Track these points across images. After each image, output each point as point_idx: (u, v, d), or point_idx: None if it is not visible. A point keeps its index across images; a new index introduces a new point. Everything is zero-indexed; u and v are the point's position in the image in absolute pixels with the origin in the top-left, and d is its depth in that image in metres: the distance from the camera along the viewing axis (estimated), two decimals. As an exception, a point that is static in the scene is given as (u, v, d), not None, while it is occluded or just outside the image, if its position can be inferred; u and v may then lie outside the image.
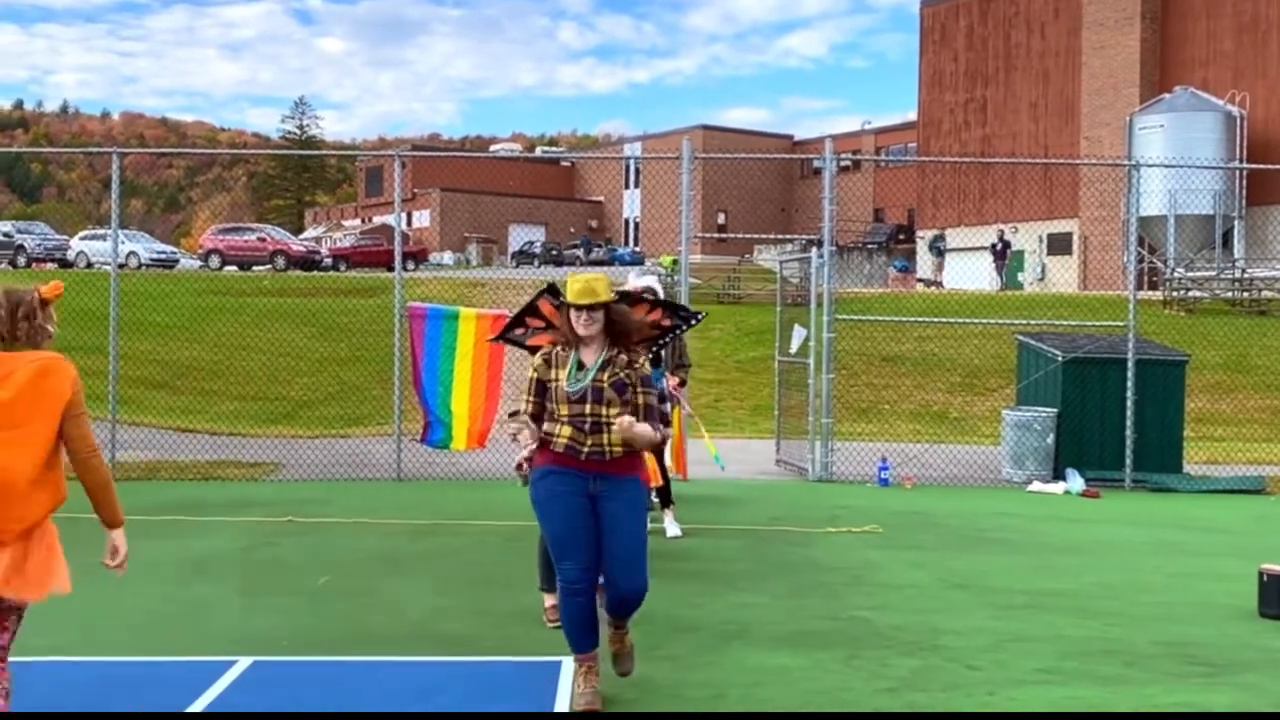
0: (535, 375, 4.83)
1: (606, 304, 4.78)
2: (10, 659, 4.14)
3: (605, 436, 4.72)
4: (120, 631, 6.09)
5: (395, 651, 5.74)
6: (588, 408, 4.71)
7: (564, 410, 4.73)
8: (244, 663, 5.42)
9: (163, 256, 36.83)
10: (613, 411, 4.71)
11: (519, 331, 5.23)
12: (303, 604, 6.72)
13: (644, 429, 4.73)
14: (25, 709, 4.81)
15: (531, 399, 4.85)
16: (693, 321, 5.24)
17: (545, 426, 4.77)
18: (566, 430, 4.74)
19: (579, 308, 4.76)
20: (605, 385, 4.75)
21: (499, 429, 11.79)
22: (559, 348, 4.84)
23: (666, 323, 5.11)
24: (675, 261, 17.77)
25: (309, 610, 6.57)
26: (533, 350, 5.09)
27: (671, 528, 8.86)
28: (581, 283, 4.77)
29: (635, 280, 8.52)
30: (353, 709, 4.85)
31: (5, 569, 3.79)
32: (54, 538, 3.99)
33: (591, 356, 4.78)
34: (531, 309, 5.15)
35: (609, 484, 4.78)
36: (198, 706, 4.82)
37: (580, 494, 4.74)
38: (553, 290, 5.04)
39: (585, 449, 4.71)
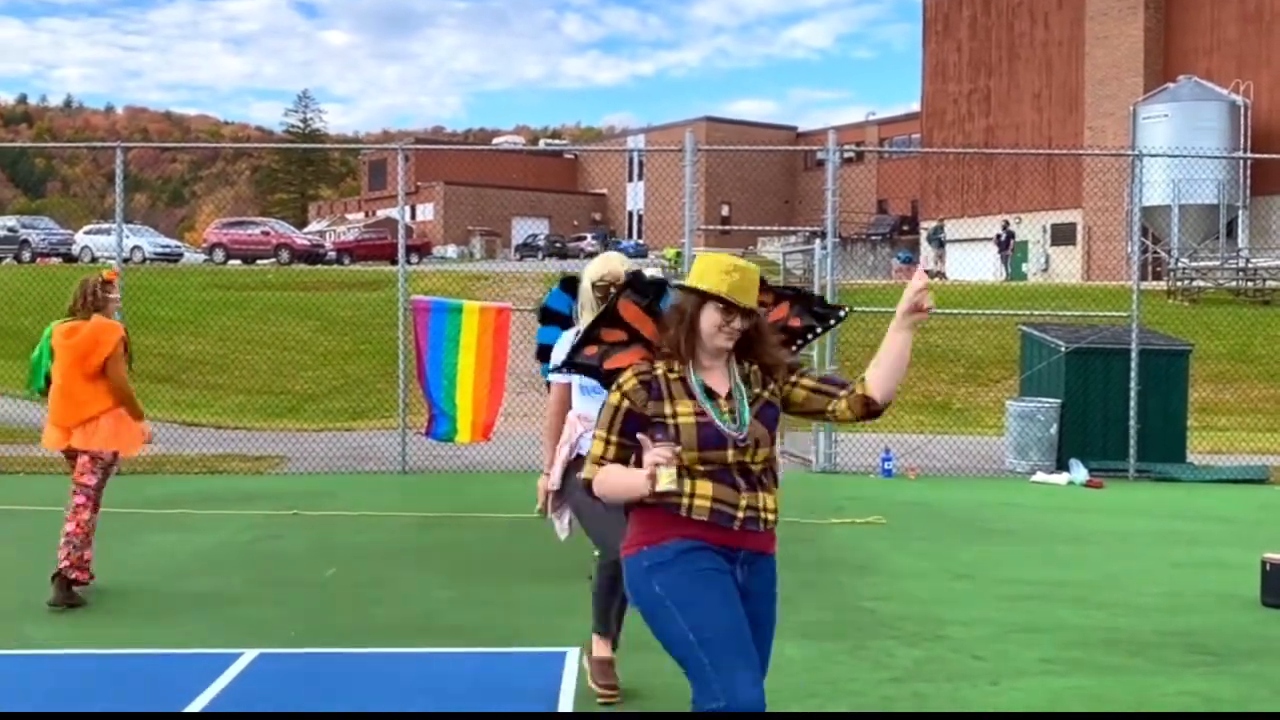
0: (626, 405, 3.23)
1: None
2: (16, 651, 5.04)
3: (761, 496, 3.25)
4: (127, 624, 6.12)
5: (401, 643, 5.77)
6: (730, 453, 3.21)
7: (697, 458, 3.18)
8: (250, 654, 5.45)
9: (167, 251, 36.89)
10: (764, 456, 3.27)
11: (590, 353, 3.46)
12: (309, 596, 6.75)
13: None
14: (31, 702, 4.85)
15: (614, 439, 3.25)
16: (832, 321, 3.69)
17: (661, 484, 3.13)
18: (707, 487, 3.20)
19: (732, 308, 3.24)
20: (755, 418, 3.28)
21: (503, 421, 11.82)
22: (660, 367, 3.28)
23: (796, 323, 3.58)
24: (679, 254, 17.79)
25: (315, 602, 6.60)
26: (607, 376, 3.40)
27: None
28: (733, 270, 3.24)
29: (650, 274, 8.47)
30: (359, 700, 4.88)
31: (87, 434, 6.44)
32: (120, 421, 6.49)
33: (719, 377, 3.29)
34: (608, 317, 3.44)
35: (759, 572, 3.32)
36: (205, 698, 4.85)
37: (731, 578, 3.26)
38: (637, 286, 3.48)
39: (740, 514, 3.20)
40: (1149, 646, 5.82)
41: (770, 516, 3.27)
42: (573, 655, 5.37)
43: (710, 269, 3.24)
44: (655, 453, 3.09)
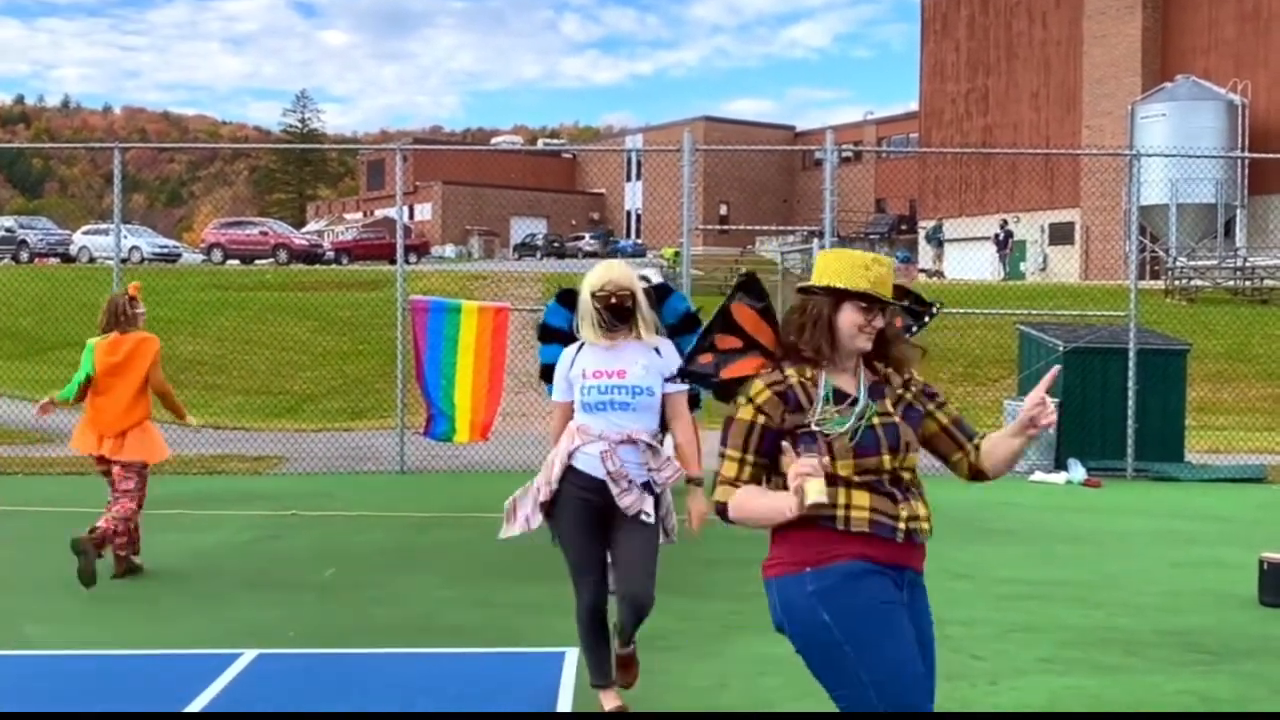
0: (761, 421, 2.94)
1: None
2: (15, 652, 5.16)
3: (916, 505, 3.09)
4: (126, 624, 6.12)
5: (400, 643, 5.77)
6: (885, 458, 3.01)
7: (848, 468, 2.93)
8: (249, 655, 5.45)
9: (165, 251, 36.89)
10: (913, 461, 3.13)
11: (705, 361, 3.13)
12: (308, 596, 6.75)
13: None
14: (30, 702, 4.85)
15: (750, 458, 2.97)
16: (927, 319, 3.52)
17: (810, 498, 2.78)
18: (864, 498, 2.97)
19: (873, 306, 2.99)
20: (898, 419, 3.09)
21: (501, 421, 11.82)
22: (793, 374, 2.99)
23: (899, 322, 3.34)
24: (677, 253, 17.78)
25: (314, 602, 6.61)
26: (726, 388, 3.09)
27: None
28: (872, 264, 2.99)
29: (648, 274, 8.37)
30: (358, 700, 4.88)
31: (116, 445, 7.12)
32: (152, 432, 7.32)
33: (849, 380, 3.05)
34: (723, 322, 3.12)
35: (919, 591, 3.15)
36: (204, 698, 4.85)
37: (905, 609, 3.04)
38: (750, 289, 3.17)
39: (901, 525, 3.01)
40: (1147, 646, 5.83)
41: (927, 526, 3.08)
42: (572, 655, 5.38)
43: (846, 265, 2.97)
44: (801, 464, 2.79)
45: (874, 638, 2.89)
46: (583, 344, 4.57)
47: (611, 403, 4.47)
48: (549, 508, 4.57)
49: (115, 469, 7.10)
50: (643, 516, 4.46)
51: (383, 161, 65.82)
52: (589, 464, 4.48)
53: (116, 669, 5.30)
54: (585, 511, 4.50)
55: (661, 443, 4.64)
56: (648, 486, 4.50)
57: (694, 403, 4.86)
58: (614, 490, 4.41)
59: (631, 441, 4.47)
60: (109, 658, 5.44)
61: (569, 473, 4.50)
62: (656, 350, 4.57)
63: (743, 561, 7.76)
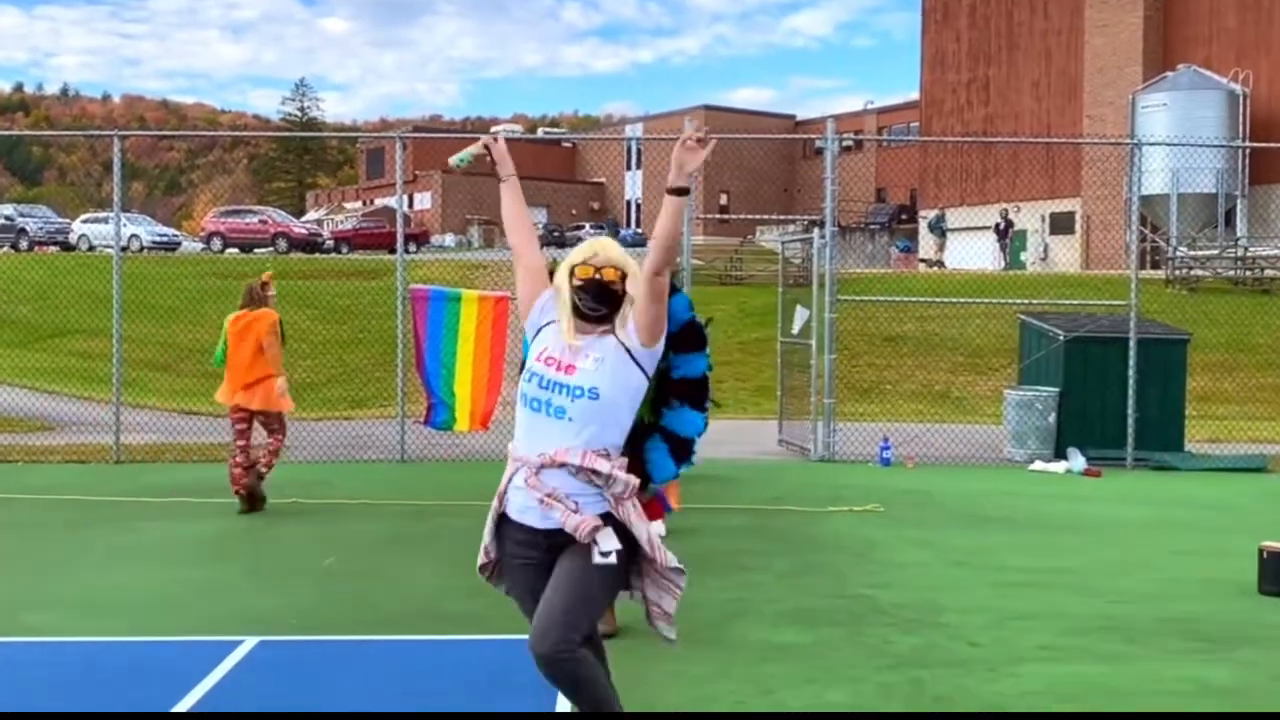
0: None
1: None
2: (15, 638, 5.15)
3: None
4: (126, 612, 6.12)
5: (401, 631, 5.78)
6: None
7: None
8: (250, 642, 5.46)
9: (165, 239, 36.83)
10: None
11: None
12: (308, 584, 6.76)
13: None
14: (29, 690, 4.85)
15: None
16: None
17: None
18: None
19: None
20: None
21: (501, 410, 11.82)
22: None
23: None
24: (677, 242, 17.73)
25: (315, 590, 6.61)
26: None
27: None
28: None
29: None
30: (359, 688, 4.89)
31: (246, 396, 9.05)
32: (273, 388, 9.06)
33: None
34: None
35: None
36: (204, 686, 4.86)
37: None
38: None
39: None
40: (1146, 634, 5.84)
41: None
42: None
43: None
44: None
45: None
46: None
47: (547, 404, 3.50)
48: (491, 571, 3.76)
49: (256, 418, 9.16)
50: (596, 556, 3.43)
51: (382, 150, 65.74)
52: (522, 507, 3.53)
53: (116, 656, 5.31)
54: (528, 575, 3.61)
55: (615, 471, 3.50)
56: (609, 517, 3.49)
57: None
58: (557, 516, 3.45)
59: (557, 465, 3.44)
60: (108, 645, 5.45)
61: (504, 525, 3.64)
62: (626, 348, 3.53)
63: (743, 551, 7.78)
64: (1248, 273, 27.05)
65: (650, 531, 3.57)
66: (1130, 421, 12.45)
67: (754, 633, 5.74)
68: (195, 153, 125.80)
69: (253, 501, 9.01)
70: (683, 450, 4.93)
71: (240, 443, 9.05)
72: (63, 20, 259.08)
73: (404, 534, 8.35)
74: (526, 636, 5.54)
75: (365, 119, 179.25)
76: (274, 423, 9.22)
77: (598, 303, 3.52)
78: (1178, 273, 26.92)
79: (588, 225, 51.53)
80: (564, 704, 4.72)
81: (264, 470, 9.15)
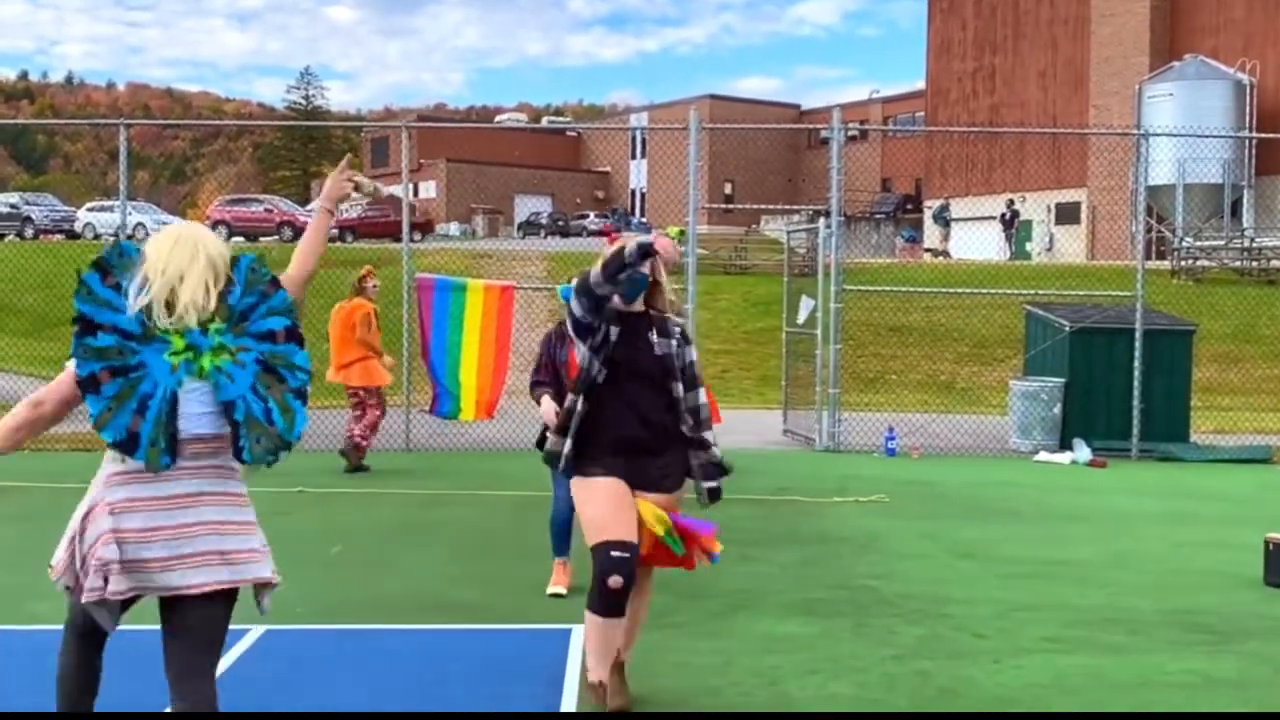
0: None
1: None
2: (22, 626, 5.24)
3: None
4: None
5: (407, 620, 5.80)
6: None
7: None
8: (257, 631, 5.47)
9: (170, 228, 36.79)
10: None
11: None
12: (315, 573, 6.78)
13: None
14: (36, 678, 4.86)
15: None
16: None
17: None
18: None
19: None
20: None
21: (506, 399, 11.83)
22: None
23: None
24: (682, 232, 17.71)
25: (321, 579, 6.63)
26: None
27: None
28: None
29: None
30: (365, 677, 4.90)
31: (345, 375, 10.57)
32: (371, 365, 10.53)
33: None
34: None
35: None
36: (212, 674, 4.87)
37: None
38: None
39: None
40: (1151, 625, 5.84)
41: None
42: (578, 632, 5.40)
43: None
44: None
45: None
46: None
47: None
48: None
49: (353, 392, 10.59)
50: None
51: (387, 139, 65.64)
52: None
53: (121, 645, 5.31)
54: None
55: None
56: None
57: None
58: None
59: None
60: (114, 634, 5.46)
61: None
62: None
63: (748, 541, 7.78)
64: (1254, 264, 26.98)
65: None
66: (1136, 412, 12.44)
67: (758, 623, 5.75)
68: (200, 141, 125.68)
69: (350, 461, 10.64)
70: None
71: (355, 413, 10.68)
72: (68, 8, 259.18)
73: (410, 523, 8.36)
74: (530, 626, 5.55)
75: (370, 108, 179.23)
76: (371, 398, 10.64)
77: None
78: (1184, 263, 26.86)
79: (592, 214, 51.47)
80: (569, 696, 4.74)
81: (356, 439, 10.63)
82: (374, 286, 10.73)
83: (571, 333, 4.45)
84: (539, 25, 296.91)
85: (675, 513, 4.41)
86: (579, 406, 4.36)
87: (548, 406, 5.68)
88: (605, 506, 4.28)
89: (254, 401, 3.24)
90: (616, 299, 4.34)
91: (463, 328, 11.56)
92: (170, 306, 3.17)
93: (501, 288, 12.03)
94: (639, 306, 4.43)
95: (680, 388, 4.38)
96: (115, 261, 3.20)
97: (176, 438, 3.17)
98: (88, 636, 3.61)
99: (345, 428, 10.79)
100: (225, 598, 3.43)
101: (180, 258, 3.21)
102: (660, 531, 4.31)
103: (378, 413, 10.74)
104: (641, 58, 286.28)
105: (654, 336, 4.39)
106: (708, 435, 4.48)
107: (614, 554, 4.23)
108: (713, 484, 4.48)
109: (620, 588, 4.22)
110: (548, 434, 5.31)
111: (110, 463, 3.29)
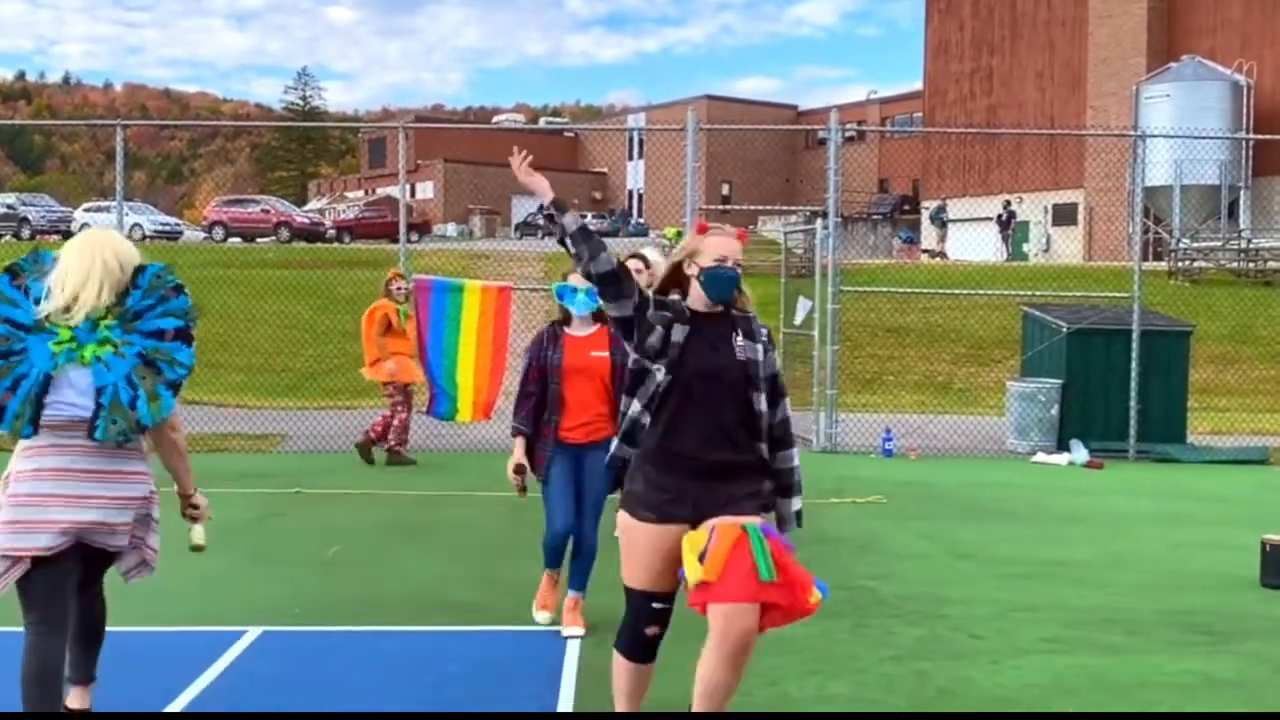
0: None
1: None
2: (17, 629, 5.02)
3: None
4: (130, 602, 6.12)
5: (405, 620, 5.79)
6: None
7: None
8: (254, 632, 5.47)
9: (167, 228, 36.83)
10: None
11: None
12: (312, 574, 6.77)
13: None
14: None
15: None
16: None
17: None
18: None
19: None
20: None
21: (504, 400, 11.82)
22: None
23: None
24: (679, 233, 17.74)
25: (318, 580, 6.62)
26: None
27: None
28: None
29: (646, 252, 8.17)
30: (362, 678, 4.90)
31: (372, 372, 11.25)
32: (394, 362, 10.98)
33: None
34: None
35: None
36: (208, 676, 4.87)
37: None
38: None
39: None
40: (1149, 626, 5.84)
41: None
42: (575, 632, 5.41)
43: None
44: None
45: None
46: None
47: None
48: None
49: (386, 388, 11.22)
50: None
51: (384, 139, 65.61)
52: None
53: (119, 646, 5.30)
54: None
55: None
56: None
57: None
58: None
59: None
60: (112, 634, 5.43)
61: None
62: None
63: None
64: (1250, 265, 27.00)
65: None
66: (1133, 413, 12.45)
67: (757, 624, 5.74)
68: (197, 142, 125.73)
69: (363, 455, 11.25)
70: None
71: (391, 409, 11.25)
72: (66, 8, 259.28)
73: (408, 524, 8.35)
74: (528, 627, 5.54)
75: (368, 108, 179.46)
76: (395, 395, 11.16)
77: None
78: (1181, 265, 26.87)
79: (589, 215, 51.43)
80: (565, 696, 4.73)
81: (371, 435, 11.23)
82: (398, 289, 11.15)
83: (616, 333, 4.16)
84: (538, 25, 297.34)
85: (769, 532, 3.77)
86: (641, 417, 3.77)
87: (517, 454, 5.39)
88: (652, 557, 3.77)
89: (124, 389, 3.69)
90: (702, 299, 3.83)
91: (460, 328, 11.54)
92: (69, 306, 3.68)
93: (499, 288, 12.00)
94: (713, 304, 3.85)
95: (763, 400, 3.78)
96: (28, 266, 3.80)
97: (40, 413, 3.66)
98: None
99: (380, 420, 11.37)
100: (72, 561, 3.79)
101: (79, 265, 3.73)
102: (737, 549, 3.63)
103: (404, 414, 11.23)
104: (640, 58, 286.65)
105: (738, 339, 3.80)
106: (793, 458, 3.94)
107: (655, 605, 3.84)
108: (796, 508, 4.00)
109: (657, 636, 3.89)
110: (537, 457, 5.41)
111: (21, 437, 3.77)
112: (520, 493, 5.46)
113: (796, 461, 3.96)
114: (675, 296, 3.88)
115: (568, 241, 3.78)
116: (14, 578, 3.70)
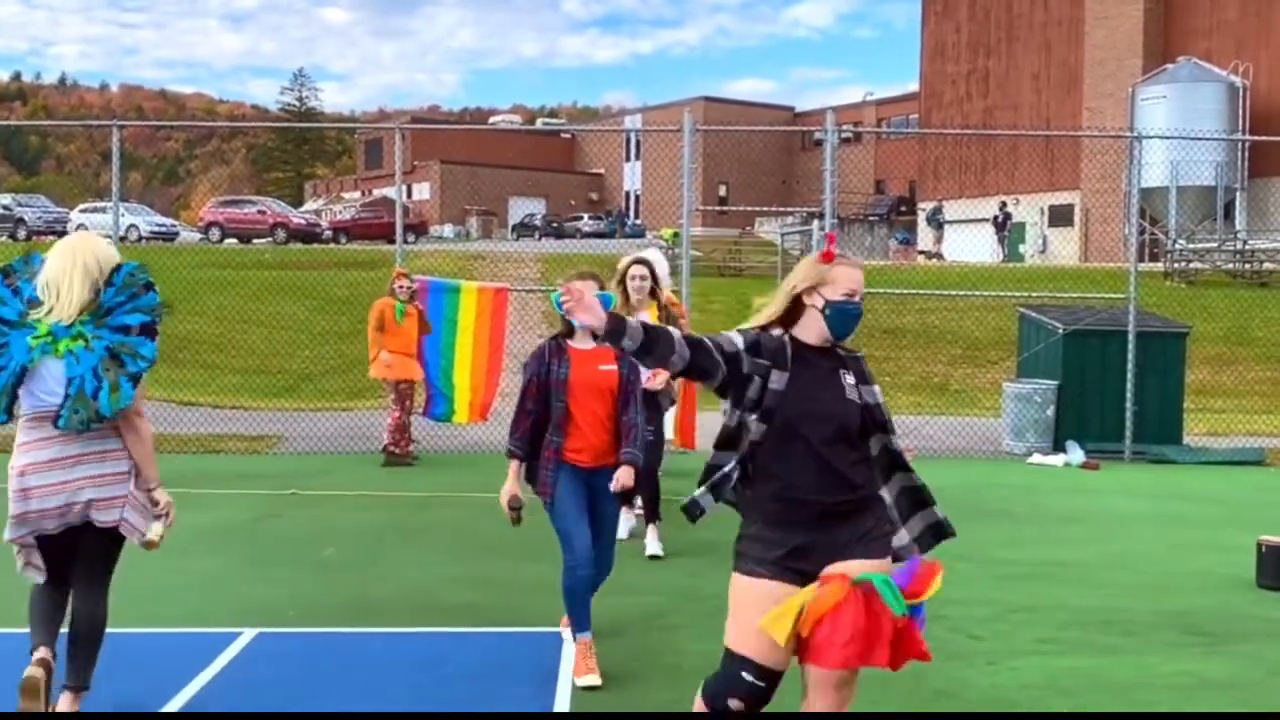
0: None
1: None
2: (15, 630, 4.97)
3: None
4: (126, 603, 6.10)
5: (400, 622, 5.78)
6: None
7: None
8: (249, 634, 5.46)
9: (163, 229, 36.79)
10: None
11: None
12: (307, 575, 6.76)
13: None
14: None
15: None
16: None
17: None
18: None
19: None
20: None
21: (500, 401, 11.82)
22: None
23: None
24: (676, 234, 17.74)
25: (314, 581, 6.61)
26: None
27: (653, 545, 7.38)
28: None
29: (648, 255, 8.09)
30: (357, 680, 4.89)
31: (374, 370, 11.18)
32: (390, 360, 10.95)
33: None
34: None
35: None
36: (204, 677, 4.86)
37: None
38: None
39: None
40: (1145, 627, 5.84)
41: None
42: (569, 634, 5.39)
43: None
44: None
45: None
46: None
47: None
48: None
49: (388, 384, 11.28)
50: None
51: (380, 140, 65.58)
52: None
53: (115, 647, 5.29)
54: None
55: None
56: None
57: None
58: None
59: None
60: (108, 635, 5.43)
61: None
62: None
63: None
64: (1246, 266, 27.04)
65: None
66: (1129, 414, 12.45)
67: (753, 625, 5.74)
68: (193, 143, 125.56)
69: (390, 459, 11.21)
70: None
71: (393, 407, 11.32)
72: (62, 9, 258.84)
73: (403, 525, 8.34)
74: (525, 628, 5.54)
75: (364, 109, 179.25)
76: (390, 392, 11.27)
77: None
78: (1176, 266, 26.90)
79: (585, 216, 51.44)
80: (562, 697, 4.72)
81: (386, 445, 11.24)
82: (401, 287, 11.15)
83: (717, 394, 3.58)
84: (534, 26, 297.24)
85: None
86: (734, 471, 3.50)
87: (511, 483, 4.89)
88: (758, 619, 3.40)
89: (89, 380, 3.98)
90: (821, 333, 3.50)
91: (456, 329, 11.55)
92: (52, 305, 4.03)
93: (495, 289, 12.03)
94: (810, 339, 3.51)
95: (878, 442, 3.54)
96: (20, 267, 4.14)
97: (14, 403, 4.01)
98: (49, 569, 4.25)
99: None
100: (78, 538, 4.13)
101: (61, 267, 4.07)
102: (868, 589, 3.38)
103: (396, 412, 11.19)
104: (636, 59, 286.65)
105: (848, 378, 3.50)
106: (915, 476, 3.69)
107: (747, 677, 3.41)
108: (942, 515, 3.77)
109: (740, 712, 3.46)
110: (539, 474, 4.88)
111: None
112: (515, 524, 4.93)
113: (919, 477, 3.67)
114: (777, 331, 3.48)
115: (640, 357, 3.43)
116: (35, 562, 4.14)
